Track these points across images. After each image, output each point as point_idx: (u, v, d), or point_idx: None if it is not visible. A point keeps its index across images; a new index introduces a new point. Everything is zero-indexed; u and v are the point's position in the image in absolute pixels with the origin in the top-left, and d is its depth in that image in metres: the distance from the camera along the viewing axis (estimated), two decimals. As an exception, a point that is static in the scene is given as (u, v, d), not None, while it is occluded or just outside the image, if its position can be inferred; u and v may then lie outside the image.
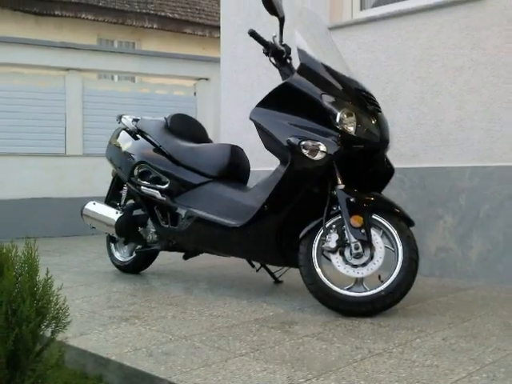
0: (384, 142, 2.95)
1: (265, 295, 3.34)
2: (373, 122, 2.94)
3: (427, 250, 3.93)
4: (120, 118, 4.10)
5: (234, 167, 3.52)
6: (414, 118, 4.01)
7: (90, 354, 2.29)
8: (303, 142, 2.86)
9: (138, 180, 3.70)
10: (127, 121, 3.98)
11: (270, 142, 3.09)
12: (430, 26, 3.91)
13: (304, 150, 2.86)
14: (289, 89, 3.01)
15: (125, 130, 4.01)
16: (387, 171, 3.08)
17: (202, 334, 2.53)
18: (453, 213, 3.84)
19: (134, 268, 4.05)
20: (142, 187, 3.66)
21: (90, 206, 4.02)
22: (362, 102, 2.97)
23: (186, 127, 3.86)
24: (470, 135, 3.76)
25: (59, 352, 1.79)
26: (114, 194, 4.16)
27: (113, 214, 3.83)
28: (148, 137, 3.80)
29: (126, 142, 3.87)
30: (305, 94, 2.96)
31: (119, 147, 3.90)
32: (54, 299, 1.83)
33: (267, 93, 3.12)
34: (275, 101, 3.08)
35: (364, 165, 3.02)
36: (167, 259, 4.44)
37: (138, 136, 3.86)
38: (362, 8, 4.50)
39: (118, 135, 4.04)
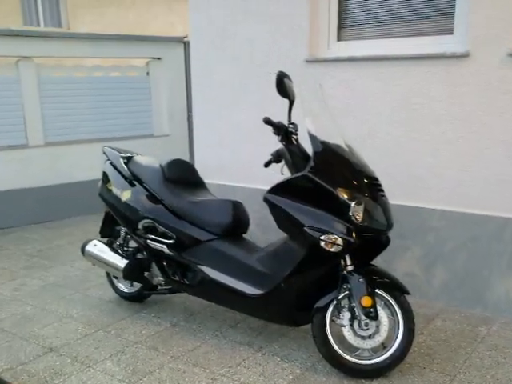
0: (390, 227, 3.06)
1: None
2: (380, 209, 3.03)
3: (395, 273, 4.15)
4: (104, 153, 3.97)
5: (237, 225, 3.51)
6: (388, 158, 4.10)
7: None
8: (322, 237, 2.91)
9: (144, 234, 3.62)
10: (120, 164, 3.82)
11: (286, 224, 3.10)
12: (411, 74, 3.92)
13: (322, 243, 2.92)
14: (307, 180, 3.00)
15: (114, 166, 3.86)
16: (385, 242, 3.20)
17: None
18: (421, 246, 4.08)
19: (138, 298, 4.08)
20: (149, 241, 3.61)
21: (92, 248, 3.93)
22: (371, 190, 3.02)
23: (181, 174, 3.76)
24: (440, 181, 3.93)
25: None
26: (109, 227, 4.05)
27: (119, 260, 3.78)
28: (146, 186, 3.68)
29: (124, 190, 3.74)
30: (321, 186, 2.97)
31: (117, 197, 3.75)
32: None
33: (282, 180, 3.08)
34: (289, 189, 3.07)
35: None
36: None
37: (135, 182, 3.73)
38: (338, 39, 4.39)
39: (107, 176, 3.88)
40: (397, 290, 3.07)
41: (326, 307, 3.07)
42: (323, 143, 3.00)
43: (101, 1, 11.77)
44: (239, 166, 4.88)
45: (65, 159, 6.74)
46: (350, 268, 3.02)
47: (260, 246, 3.52)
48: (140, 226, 3.63)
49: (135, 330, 3.66)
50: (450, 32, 3.87)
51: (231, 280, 3.33)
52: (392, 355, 3.02)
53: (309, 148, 3.04)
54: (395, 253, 4.17)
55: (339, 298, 3.04)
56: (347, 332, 3.04)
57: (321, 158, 2.99)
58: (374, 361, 3.04)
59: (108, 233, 4.11)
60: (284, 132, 3.13)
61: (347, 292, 3.04)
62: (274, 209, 3.13)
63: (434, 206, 3.99)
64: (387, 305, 3.07)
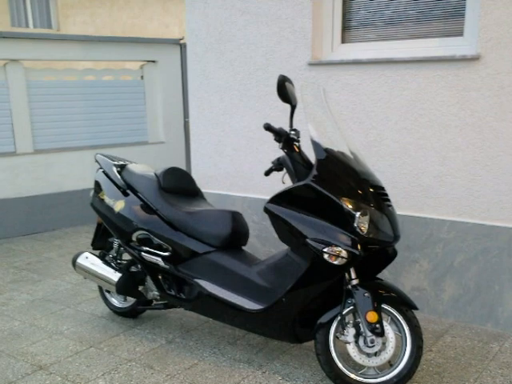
0: (397, 238, 3.08)
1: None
2: (386, 220, 3.04)
3: (402, 287, 4.22)
4: (97, 161, 4.02)
5: (236, 236, 3.53)
6: (395, 167, 4.13)
7: None
8: (325, 249, 2.93)
9: (138, 246, 3.65)
10: (113, 172, 3.86)
11: (287, 236, 3.13)
12: (419, 78, 3.96)
13: (326, 255, 2.94)
14: (309, 189, 3.02)
15: (106, 175, 3.90)
16: (391, 255, 3.23)
17: None
18: (429, 259, 4.10)
19: (132, 313, 4.10)
20: (143, 253, 3.63)
21: (84, 261, 3.96)
22: (376, 200, 3.05)
23: (177, 182, 3.79)
24: (450, 191, 3.96)
25: None
26: (101, 239, 4.09)
27: (112, 274, 3.81)
28: (140, 196, 3.71)
29: (117, 200, 3.76)
30: (325, 196, 2.99)
31: (110, 207, 3.78)
32: None
33: (283, 190, 3.11)
34: (290, 199, 3.09)
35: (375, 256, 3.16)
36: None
37: (128, 192, 3.76)
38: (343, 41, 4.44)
39: (100, 185, 3.92)
40: (404, 305, 3.08)
41: (329, 323, 3.09)
42: (327, 150, 3.02)
43: (93, 1, 11.85)
44: (238, 174, 4.91)
45: (55, 167, 6.77)
46: (354, 282, 3.04)
47: (260, 259, 3.55)
48: (134, 238, 3.66)
49: (129, 347, 3.68)
50: (460, 34, 3.92)
51: (230, 294, 3.36)
52: (399, 373, 3.02)
53: (311, 155, 3.07)
54: (402, 266, 4.20)
55: (343, 313, 3.05)
56: (352, 349, 3.05)
57: (324, 166, 3.01)
58: (380, 379, 3.04)
59: (100, 245, 4.15)
60: (285, 139, 3.15)
61: (352, 307, 3.06)
62: (274, 219, 3.16)
63: (443, 217, 4.02)
64: (394, 320, 3.09)
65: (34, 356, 3.57)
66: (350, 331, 3.04)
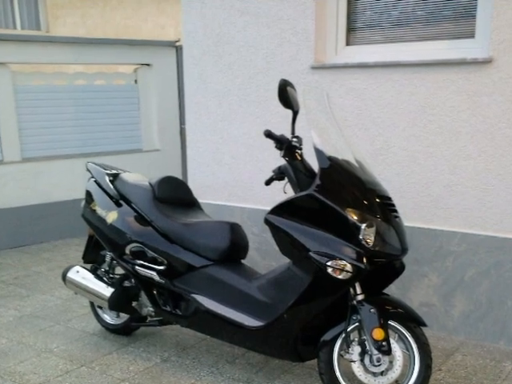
0: (404, 251, 3.09)
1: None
2: (393, 232, 3.06)
3: (410, 303, 4.23)
4: (88, 170, 4.05)
5: (235, 249, 3.55)
6: (403, 176, 4.16)
7: None
8: (329, 262, 2.94)
9: (131, 259, 3.67)
10: (105, 182, 3.89)
11: (289, 249, 3.14)
12: (428, 82, 3.98)
13: (329, 269, 2.95)
14: (312, 200, 3.04)
15: (98, 185, 3.93)
16: (399, 269, 3.25)
17: None
18: (438, 273, 4.11)
19: (126, 331, 4.12)
20: (137, 267, 3.65)
21: (75, 275, 3.99)
22: (383, 211, 3.06)
23: (173, 192, 3.82)
24: (461, 201, 3.98)
25: None
26: (92, 252, 4.11)
27: (104, 289, 3.84)
28: (134, 206, 3.74)
29: (109, 211, 3.79)
30: (328, 207, 3.00)
31: (102, 218, 3.80)
32: None
33: (284, 200, 3.12)
34: (292, 210, 3.11)
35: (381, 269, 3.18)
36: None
37: (122, 202, 3.78)
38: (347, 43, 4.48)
39: (91, 195, 3.94)
40: (412, 322, 3.09)
41: (333, 340, 3.10)
42: (330, 159, 3.04)
43: (84, 1, 11.90)
44: (237, 183, 4.94)
45: (44, 177, 6.80)
46: (360, 297, 3.05)
47: (260, 273, 3.56)
48: (127, 251, 3.68)
49: (122, 366, 3.68)
50: (471, 35, 3.95)
51: (228, 310, 3.37)
52: (407, 394, 3.04)
53: (314, 164, 3.09)
54: (410, 280, 4.22)
55: (348, 330, 3.06)
56: (357, 368, 3.06)
57: (328, 175, 3.03)
58: (386, 400, 3.06)
59: (92, 258, 4.17)
60: (287, 146, 3.17)
61: (357, 324, 3.07)
62: (275, 231, 3.17)
63: (454, 229, 4.03)
64: (401, 338, 3.10)
65: (22, 375, 3.58)
66: (355, 349, 3.04)
